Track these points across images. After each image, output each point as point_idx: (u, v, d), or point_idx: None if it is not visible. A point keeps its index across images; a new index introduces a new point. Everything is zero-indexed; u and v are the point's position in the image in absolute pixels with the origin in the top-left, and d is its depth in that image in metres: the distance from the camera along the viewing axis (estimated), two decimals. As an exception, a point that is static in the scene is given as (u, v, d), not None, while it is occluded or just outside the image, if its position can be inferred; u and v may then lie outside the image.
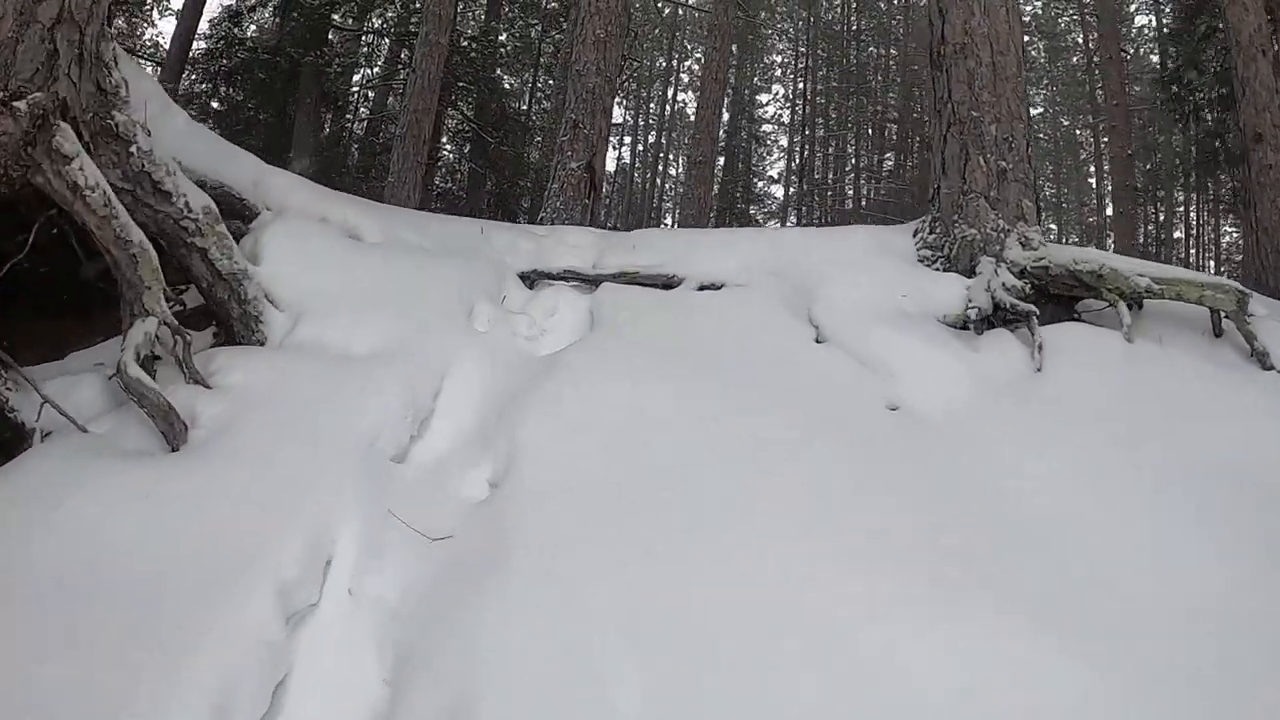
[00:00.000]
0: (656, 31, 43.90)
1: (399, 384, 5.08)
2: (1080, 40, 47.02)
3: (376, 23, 25.02)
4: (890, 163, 41.45)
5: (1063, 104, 47.01)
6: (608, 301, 6.63)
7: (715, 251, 7.41)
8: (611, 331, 6.13)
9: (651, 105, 49.57)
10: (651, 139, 49.61)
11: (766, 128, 46.15)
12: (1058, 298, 7.01)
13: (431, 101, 17.70)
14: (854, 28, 43.01)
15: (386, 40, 25.12)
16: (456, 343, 5.71)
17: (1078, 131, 49.81)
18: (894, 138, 42.20)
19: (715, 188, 29.81)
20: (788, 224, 44.32)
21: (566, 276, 7.33)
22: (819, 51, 42.51)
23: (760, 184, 45.33)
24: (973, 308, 6.72)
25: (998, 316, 6.77)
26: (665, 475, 4.49)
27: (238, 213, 6.21)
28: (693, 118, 49.02)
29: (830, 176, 43.81)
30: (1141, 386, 5.65)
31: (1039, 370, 5.95)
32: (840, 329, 6.30)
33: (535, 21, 29.45)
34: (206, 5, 24.57)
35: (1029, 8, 44.30)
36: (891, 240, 7.78)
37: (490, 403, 5.26)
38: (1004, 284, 6.85)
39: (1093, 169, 52.74)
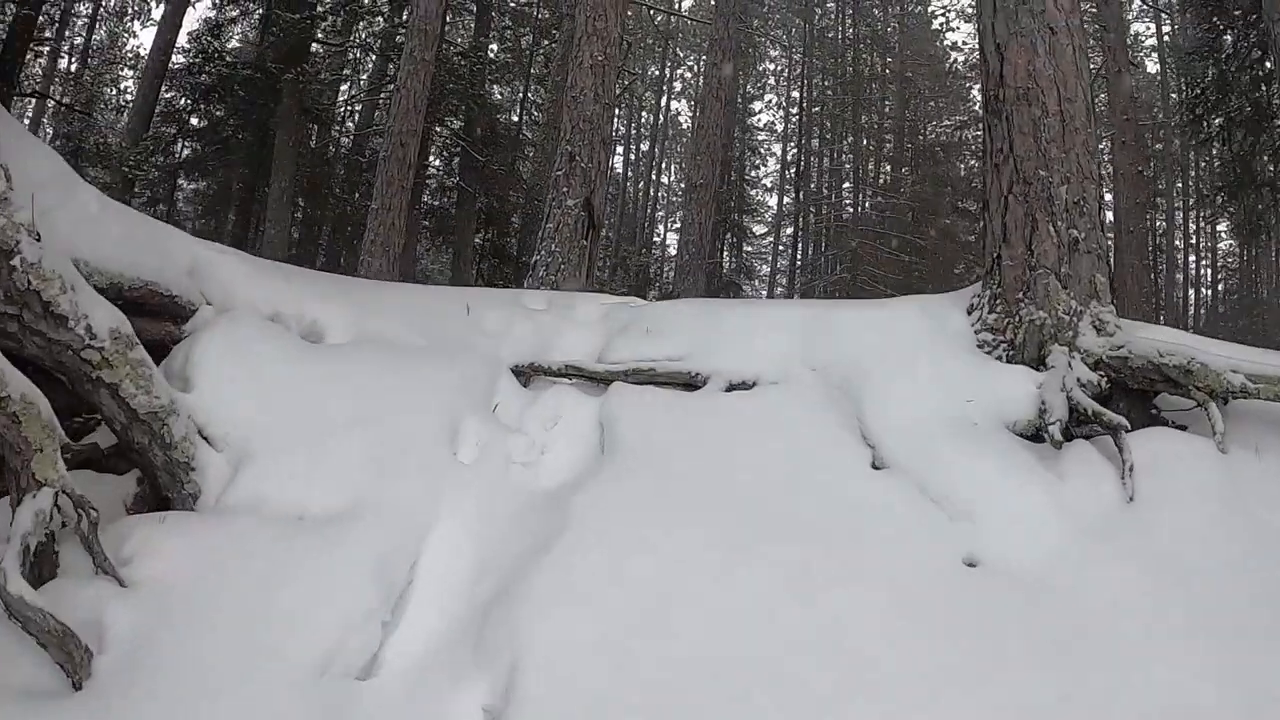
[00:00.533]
0: (650, 41, 42.78)
1: (368, 560, 3.99)
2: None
3: (363, 35, 23.71)
4: (888, 174, 40.38)
5: (1060, 111, 45.81)
6: (622, 414, 5.47)
7: (743, 337, 6.23)
8: (629, 462, 4.97)
9: (644, 114, 48.48)
10: (645, 147, 48.53)
11: (760, 135, 45.08)
12: (1136, 391, 5.95)
13: (417, 122, 16.57)
14: (849, 35, 41.93)
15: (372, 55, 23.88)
16: (439, 485, 4.58)
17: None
18: (891, 149, 41.16)
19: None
20: (783, 235, 43.37)
21: (569, 374, 6.16)
22: (814, 59, 41.39)
23: (755, 193, 44.27)
24: (1048, 414, 5.59)
25: (1073, 420, 5.66)
26: (717, 694, 3.42)
27: (169, 312, 5.06)
28: (685, 126, 48.96)
29: (826, 188, 42.74)
30: (1251, 524, 4.64)
31: (1130, 500, 4.89)
32: (901, 451, 5.18)
33: (526, 31, 28.30)
34: (186, 17, 23.60)
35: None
36: (945, 317, 6.66)
37: (483, 572, 4.16)
38: (1079, 380, 5.75)
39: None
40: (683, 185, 43.34)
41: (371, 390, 5.08)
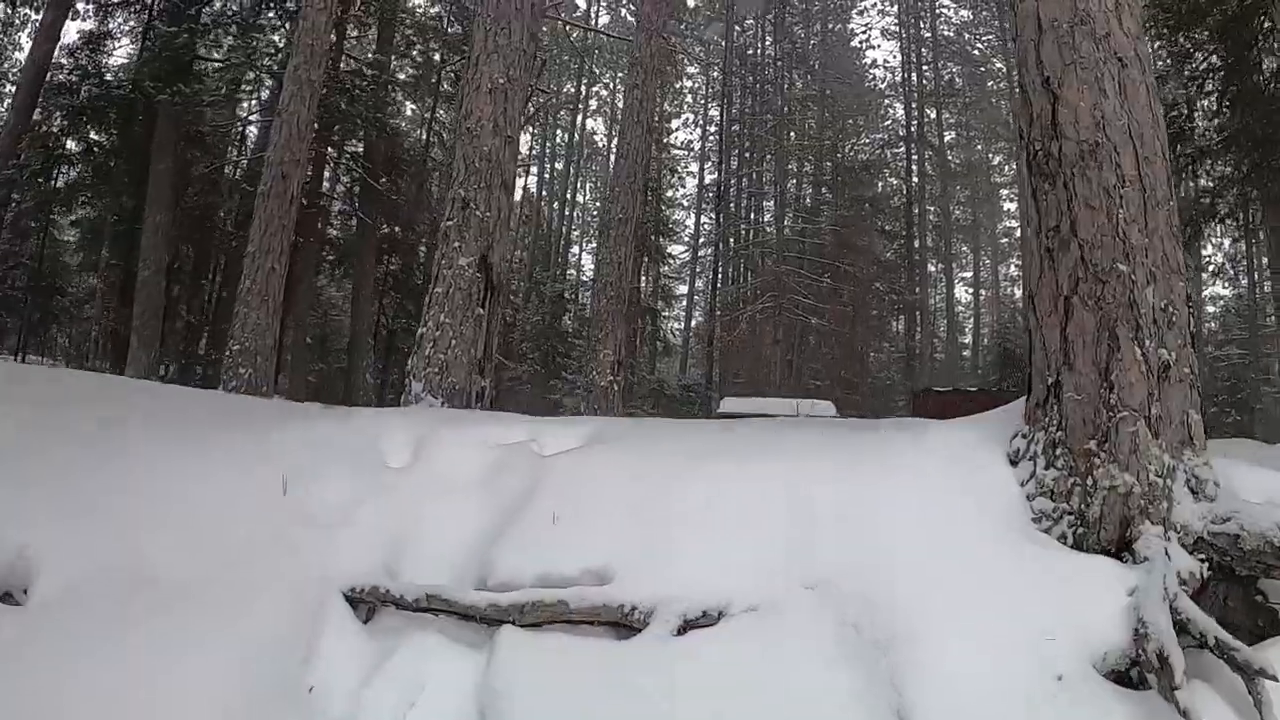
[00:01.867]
0: (566, 57, 40.58)
1: None
2: (1003, 67, 45.05)
3: (257, 51, 20.94)
4: (808, 194, 38.62)
5: (978, 128, 44.67)
6: (515, 695, 3.29)
7: (702, 529, 4.00)
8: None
9: (559, 132, 46.29)
10: (559, 166, 46.36)
11: (678, 153, 43.07)
12: (1244, 576, 4.12)
13: (301, 151, 14.18)
14: (769, 52, 40.16)
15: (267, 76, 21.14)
16: None
17: (990, 155, 47.96)
18: (812, 170, 39.44)
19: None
20: (703, 256, 41.37)
21: (434, 608, 3.82)
22: (734, 77, 39.50)
23: (672, 212, 42.25)
24: (1148, 639, 3.50)
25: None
26: None
27: None
28: (602, 145, 46.84)
29: (747, 210, 40.90)
30: None
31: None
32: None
33: (436, 47, 25.86)
34: (66, 27, 20.70)
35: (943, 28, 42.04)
36: (979, 466, 4.56)
37: None
38: (1180, 576, 3.77)
39: (1005, 193, 51.19)
40: (599, 204, 41.36)
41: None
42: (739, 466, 4.46)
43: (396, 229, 22.66)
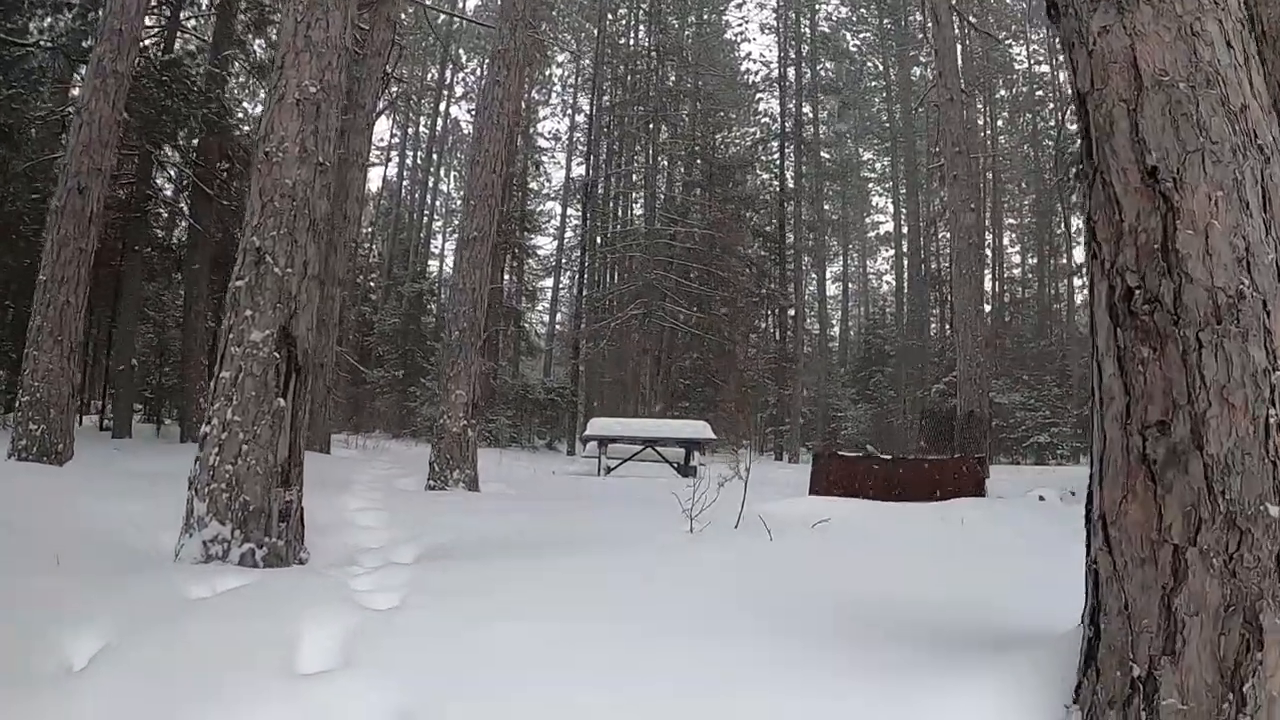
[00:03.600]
0: (431, 39, 37.87)
1: None
2: (879, 66, 44.04)
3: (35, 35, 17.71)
4: (680, 192, 36.74)
5: (851, 125, 43.53)
6: None
7: None
8: None
9: (422, 119, 43.55)
10: (424, 154, 43.67)
11: (543, 143, 40.79)
12: None
13: (105, 159, 11.78)
14: (643, 43, 38.13)
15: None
16: None
17: (861, 151, 47.16)
18: (684, 168, 37.61)
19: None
20: (569, 247, 39.23)
21: None
22: (605, 67, 37.34)
23: (538, 203, 40.02)
24: None
25: None
26: None
27: None
28: (467, 132, 43.97)
29: (615, 203, 38.91)
30: None
31: None
32: None
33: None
34: None
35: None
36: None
37: None
38: None
39: (874, 188, 50.60)
40: (459, 197, 38.79)
41: None
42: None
43: (237, 234, 19.88)
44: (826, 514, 7.97)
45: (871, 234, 53.50)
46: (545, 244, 42.46)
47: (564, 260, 41.16)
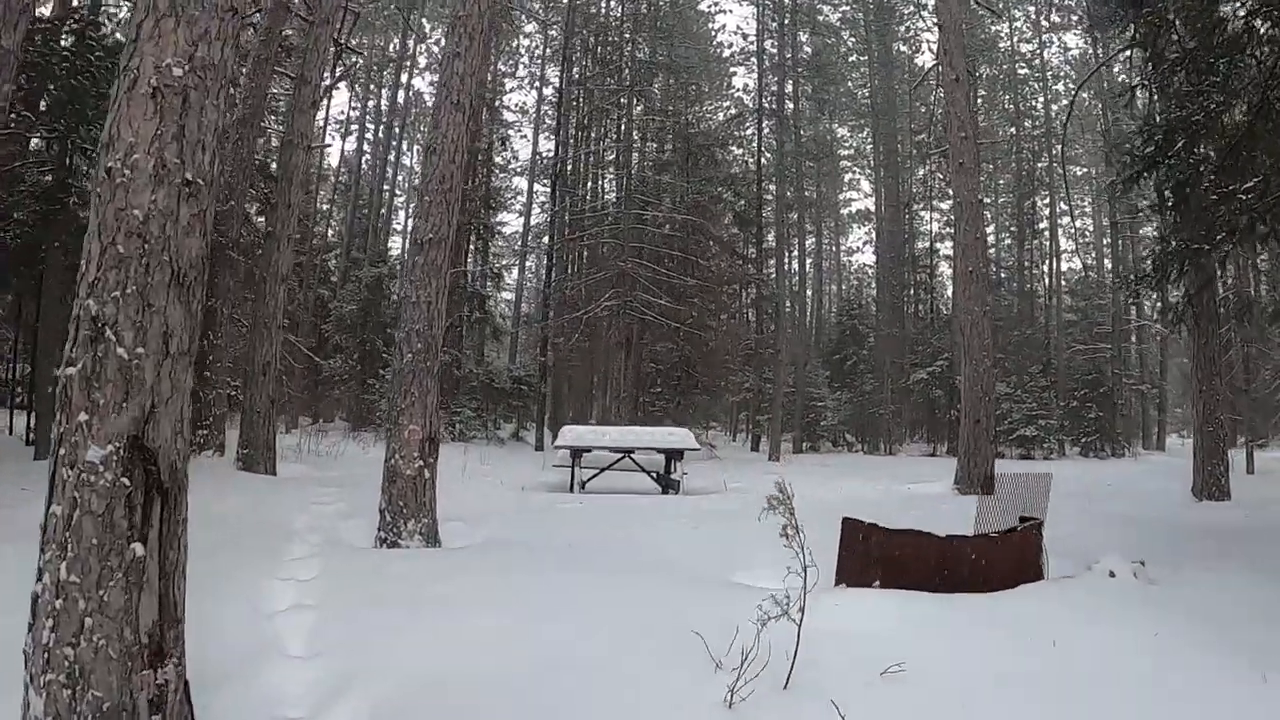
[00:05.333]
0: (391, 7, 35.34)
1: None
2: (859, 40, 42.00)
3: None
4: (652, 174, 34.44)
5: (831, 103, 41.43)
6: None
7: None
8: None
9: (384, 91, 40.97)
10: (384, 128, 41.15)
11: (510, 116, 38.36)
12: None
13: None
14: (614, 12, 35.72)
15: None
16: None
17: (836, 127, 45.23)
18: (655, 147, 35.34)
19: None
20: (536, 228, 36.99)
21: None
22: (575, 38, 34.88)
23: (504, 178, 37.68)
24: None
25: None
26: None
27: None
28: (432, 103, 40.91)
29: (586, 184, 36.60)
30: None
31: None
32: None
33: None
34: None
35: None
36: None
37: None
38: None
39: (849, 165, 48.98)
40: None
41: None
42: None
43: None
44: (885, 639, 5.86)
45: (845, 211, 51.70)
46: (512, 221, 40.20)
47: (531, 240, 38.89)
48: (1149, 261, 13.68)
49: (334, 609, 6.64)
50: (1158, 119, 12.19)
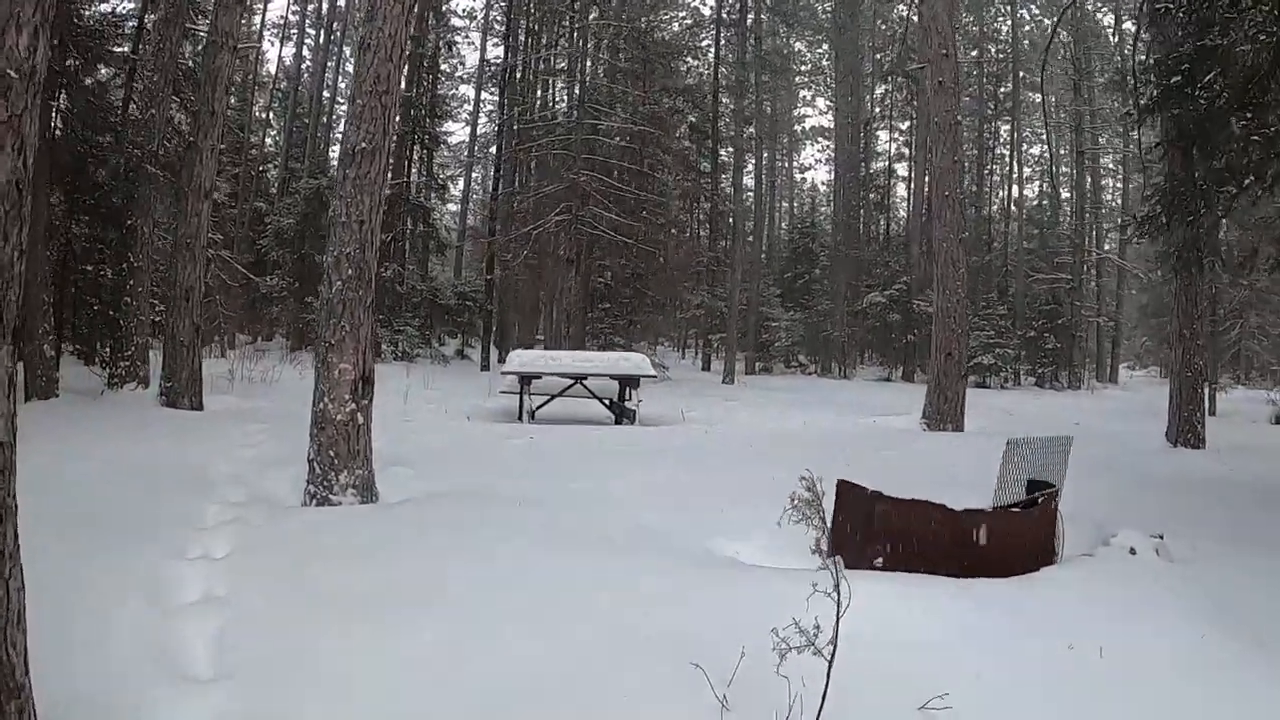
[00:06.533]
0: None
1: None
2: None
3: None
4: (604, 81, 32.76)
5: (790, 14, 39.85)
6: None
7: None
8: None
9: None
10: (325, 31, 38.85)
11: (457, 21, 36.31)
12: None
13: None
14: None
15: None
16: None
17: (794, 42, 43.68)
18: (606, 56, 33.56)
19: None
20: (482, 137, 35.27)
21: None
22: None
23: (453, 89, 35.81)
24: None
25: None
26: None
27: None
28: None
29: (536, 93, 34.85)
30: None
31: None
32: None
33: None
34: None
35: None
36: None
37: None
38: None
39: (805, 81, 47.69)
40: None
41: None
42: None
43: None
44: (913, 647, 4.81)
45: (798, 127, 50.40)
46: (458, 131, 38.39)
47: (478, 150, 37.15)
48: (1154, 202, 12.69)
49: (249, 605, 5.40)
50: (1181, 49, 11.05)
